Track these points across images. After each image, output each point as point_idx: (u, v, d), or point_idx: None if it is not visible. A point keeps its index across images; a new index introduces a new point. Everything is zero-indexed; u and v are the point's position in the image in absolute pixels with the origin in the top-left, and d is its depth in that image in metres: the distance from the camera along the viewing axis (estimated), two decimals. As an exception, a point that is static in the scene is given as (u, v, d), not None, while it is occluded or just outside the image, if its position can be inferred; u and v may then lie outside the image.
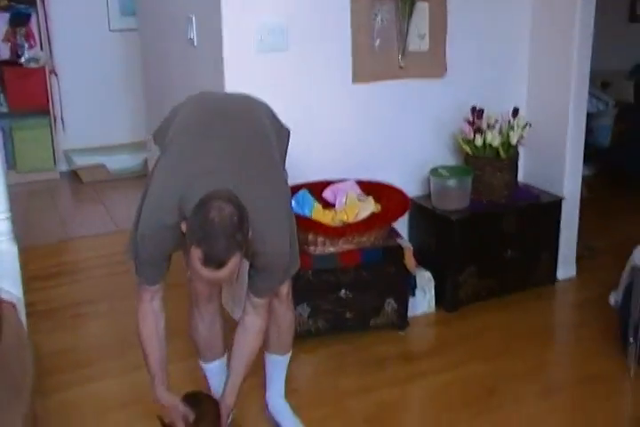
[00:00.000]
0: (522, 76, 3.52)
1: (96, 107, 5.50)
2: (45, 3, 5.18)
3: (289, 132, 2.32)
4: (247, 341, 2.16)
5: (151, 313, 2.12)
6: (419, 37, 3.21)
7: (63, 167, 5.44)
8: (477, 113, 3.26)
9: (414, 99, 3.30)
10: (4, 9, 5.06)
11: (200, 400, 2.21)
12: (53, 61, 5.31)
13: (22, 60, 5.10)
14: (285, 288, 2.29)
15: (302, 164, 2.84)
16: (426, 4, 3.19)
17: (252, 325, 2.15)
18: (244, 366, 2.17)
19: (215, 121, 2.09)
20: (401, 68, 3.20)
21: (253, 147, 2.07)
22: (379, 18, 3.11)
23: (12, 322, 2.28)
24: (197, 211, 1.78)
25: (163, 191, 1.97)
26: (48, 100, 5.23)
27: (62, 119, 5.41)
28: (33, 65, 5.13)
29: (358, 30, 3.08)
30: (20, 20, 5.09)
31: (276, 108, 2.32)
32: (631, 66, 5.14)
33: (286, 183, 2.23)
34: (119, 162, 5.35)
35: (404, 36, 3.16)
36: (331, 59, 3.09)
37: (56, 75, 5.32)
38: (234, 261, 1.79)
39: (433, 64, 3.28)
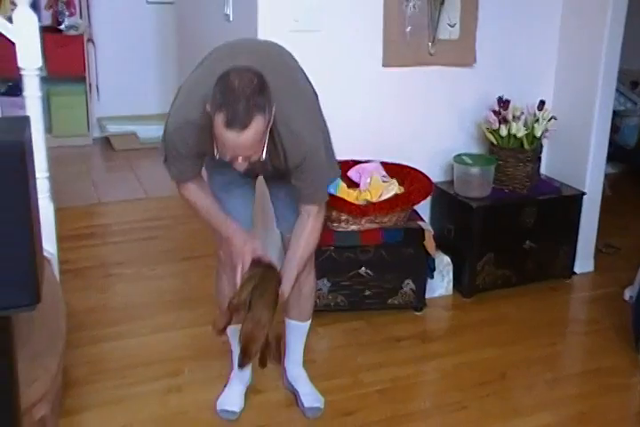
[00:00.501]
0: (550, 69, 3.57)
1: (130, 76, 5.61)
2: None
3: (317, 95, 2.33)
4: (303, 234, 2.19)
5: (195, 187, 2.18)
6: (450, 26, 3.27)
7: (96, 133, 5.56)
8: (504, 103, 3.32)
9: (442, 86, 3.37)
10: (47, -23, 5.17)
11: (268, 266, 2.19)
12: (91, 30, 5.42)
13: (62, 26, 5.21)
14: None
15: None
16: (457, 18, 3.25)
17: (306, 222, 2.19)
18: (298, 257, 2.21)
19: (246, 48, 2.23)
20: (431, 55, 3.26)
21: (285, 70, 2.15)
22: (411, 4, 3.16)
23: (47, 277, 2.39)
24: (219, 81, 1.86)
25: (191, 89, 2.06)
26: (85, 68, 5.34)
27: (97, 87, 5.52)
28: (72, 32, 5.24)
29: (390, 16, 3.15)
30: (62, -12, 5.19)
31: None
32: (662, 66, 5.16)
33: (318, 102, 2.26)
34: (150, 131, 5.45)
35: (434, 23, 3.22)
36: (362, 42, 3.16)
37: (93, 43, 5.43)
38: (256, 124, 1.83)
39: (462, 53, 3.33)
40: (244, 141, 1.84)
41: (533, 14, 3.46)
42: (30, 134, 1.46)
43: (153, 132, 5.41)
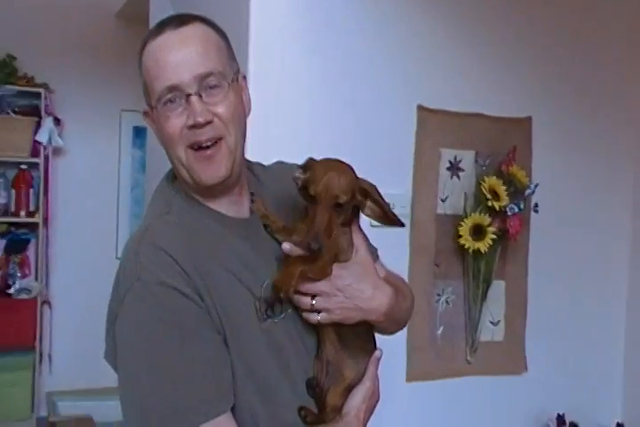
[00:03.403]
0: (618, 375, 2.80)
1: (90, 343, 4.77)
2: (49, 228, 4.67)
3: None
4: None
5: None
6: (492, 324, 2.55)
7: (43, 412, 4.62)
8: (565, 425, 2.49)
9: (484, 401, 2.56)
10: (3, 234, 4.52)
11: None
12: (49, 291, 4.70)
13: (12, 290, 4.47)
14: None
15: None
16: (502, 283, 2.56)
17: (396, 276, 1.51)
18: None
19: None
20: (469, 362, 2.51)
21: None
22: (443, 299, 2.48)
23: None
24: None
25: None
26: (35, 337, 4.54)
27: (50, 356, 4.69)
28: (23, 296, 4.49)
29: (416, 318, 2.39)
30: (16, 247, 4.53)
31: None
32: None
33: None
34: (110, 411, 4.52)
35: (474, 322, 2.50)
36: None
37: (50, 306, 4.69)
38: (202, 30, 1.27)
39: (509, 358, 2.59)
40: (185, 41, 1.24)
41: (593, 307, 2.76)
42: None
43: (113, 411, 4.52)
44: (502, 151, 2.46)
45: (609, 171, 2.76)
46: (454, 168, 2.45)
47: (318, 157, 1.33)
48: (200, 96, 1.23)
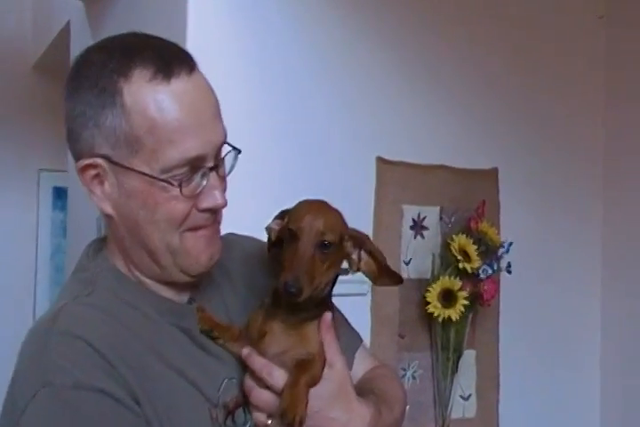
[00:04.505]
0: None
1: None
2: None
3: None
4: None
5: None
6: (463, 398, 2.30)
7: None
8: None
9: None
10: None
11: None
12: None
13: None
14: None
15: None
16: (472, 353, 2.31)
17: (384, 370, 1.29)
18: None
19: None
20: (439, 445, 2.26)
21: None
22: (409, 374, 2.22)
23: None
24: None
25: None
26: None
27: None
28: None
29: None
30: None
31: None
32: None
33: None
34: None
35: (444, 398, 2.24)
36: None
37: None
38: (202, 75, 0.98)
39: (483, 432, 2.35)
40: (206, 96, 0.96)
41: (568, 374, 2.53)
42: None
43: None
44: (468, 206, 2.25)
45: (579, 223, 2.56)
46: (418, 226, 2.21)
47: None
48: (217, 170, 0.99)
